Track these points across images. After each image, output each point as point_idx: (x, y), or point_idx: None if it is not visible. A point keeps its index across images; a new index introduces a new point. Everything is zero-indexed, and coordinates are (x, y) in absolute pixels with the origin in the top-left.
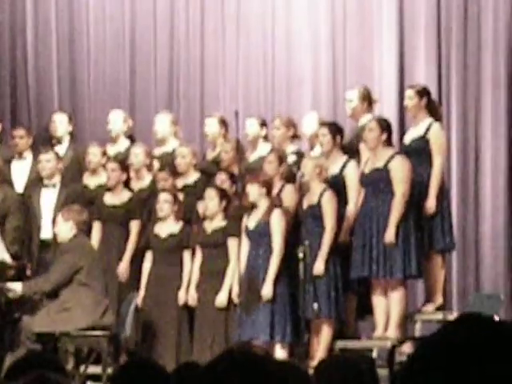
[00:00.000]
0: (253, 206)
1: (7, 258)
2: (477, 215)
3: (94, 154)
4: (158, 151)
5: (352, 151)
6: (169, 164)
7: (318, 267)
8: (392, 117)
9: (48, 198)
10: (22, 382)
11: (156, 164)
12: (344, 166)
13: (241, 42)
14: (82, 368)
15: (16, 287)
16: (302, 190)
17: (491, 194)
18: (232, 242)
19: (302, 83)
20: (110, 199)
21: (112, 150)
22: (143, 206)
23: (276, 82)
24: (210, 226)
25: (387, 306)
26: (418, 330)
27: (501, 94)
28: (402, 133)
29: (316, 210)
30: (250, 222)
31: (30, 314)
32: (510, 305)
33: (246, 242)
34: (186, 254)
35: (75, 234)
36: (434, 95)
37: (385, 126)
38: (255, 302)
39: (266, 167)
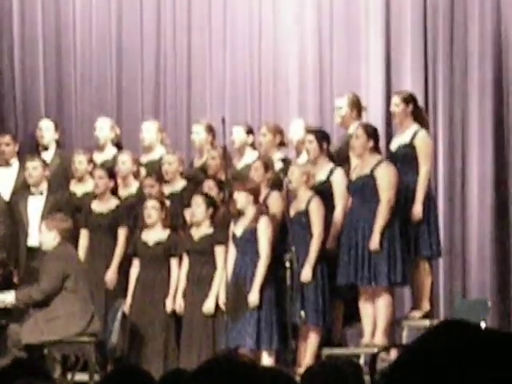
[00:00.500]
0: (240, 213)
1: None
2: (463, 222)
3: (79, 161)
4: (144, 158)
5: (341, 158)
6: (155, 171)
7: (306, 274)
8: (378, 124)
9: (35, 206)
10: None
11: (143, 171)
12: (331, 173)
13: (228, 49)
14: (69, 376)
15: (9, 298)
16: (289, 197)
17: (478, 201)
18: (219, 250)
19: (289, 90)
20: (97, 207)
21: (99, 157)
22: (130, 213)
23: (263, 89)
24: (196, 233)
25: (374, 312)
26: (405, 336)
27: (487, 101)
28: (389, 140)
29: (303, 217)
30: (237, 229)
31: (17, 322)
32: (497, 311)
33: (232, 249)
34: (174, 262)
35: (59, 242)
36: (421, 102)
37: (371, 132)
38: (242, 309)
39: (252, 174)
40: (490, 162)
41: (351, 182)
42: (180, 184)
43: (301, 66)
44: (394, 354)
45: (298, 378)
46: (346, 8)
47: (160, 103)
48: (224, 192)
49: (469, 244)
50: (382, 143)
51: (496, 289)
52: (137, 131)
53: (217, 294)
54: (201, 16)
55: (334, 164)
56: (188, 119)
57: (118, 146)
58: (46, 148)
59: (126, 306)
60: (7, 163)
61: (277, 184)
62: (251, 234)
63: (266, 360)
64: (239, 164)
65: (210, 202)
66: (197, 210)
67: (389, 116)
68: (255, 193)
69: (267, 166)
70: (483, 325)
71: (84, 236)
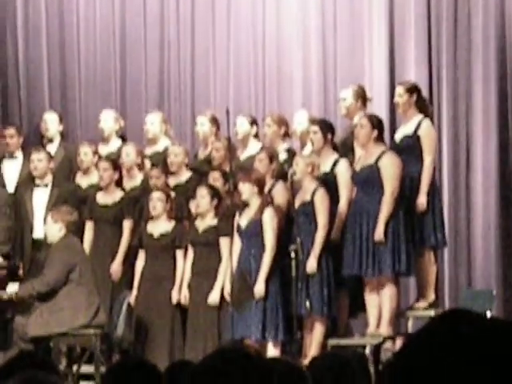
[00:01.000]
0: (244, 205)
1: None
2: (468, 211)
3: (85, 153)
4: (149, 150)
5: (346, 149)
6: (160, 163)
7: (311, 265)
8: (383, 115)
9: (40, 198)
10: (15, 382)
11: (147, 163)
12: (335, 164)
13: (231, 40)
14: (74, 367)
15: (13, 289)
16: (294, 188)
17: (482, 191)
18: (224, 241)
19: (293, 81)
20: (102, 199)
21: (104, 149)
22: (135, 204)
23: (267, 80)
24: (201, 225)
25: (379, 303)
26: (410, 326)
27: (491, 92)
28: (393, 131)
29: (308, 208)
30: (242, 220)
31: (22, 314)
32: (502, 300)
33: (237, 241)
34: (179, 253)
35: (65, 235)
36: (425, 93)
37: (376, 122)
38: (247, 300)
39: (257, 165)
40: (494, 153)
41: (355, 172)
42: (185, 175)
43: (305, 56)
44: (399, 344)
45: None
46: (349, 0)
47: (164, 95)
48: (228, 183)
49: (473, 234)
50: (386, 134)
51: (501, 278)
52: (141, 123)
53: (222, 285)
54: (205, 7)
55: (339, 155)
56: (192, 111)
57: (123, 138)
58: (50, 140)
59: (132, 297)
60: (12, 156)
61: (281, 175)
62: (256, 226)
63: (272, 351)
64: (243, 155)
65: (215, 193)
66: (201, 201)
67: (393, 107)
68: (260, 184)
69: (272, 157)
70: (489, 314)
71: (89, 228)
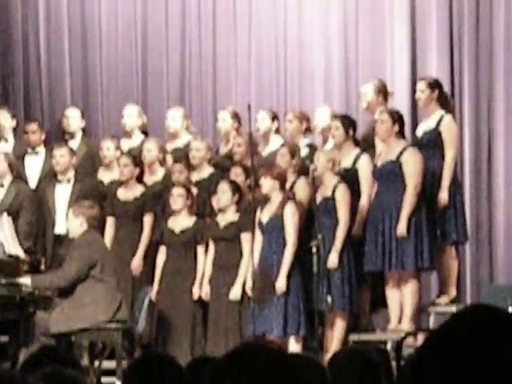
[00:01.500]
0: (266, 200)
1: (21, 253)
2: (490, 207)
3: (107, 148)
4: (170, 146)
5: (367, 144)
6: (182, 158)
7: (332, 260)
8: (404, 110)
9: (62, 193)
10: (38, 376)
11: (169, 158)
12: (356, 159)
13: (253, 35)
14: (96, 363)
15: (25, 281)
16: (315, 184)
17: (504, 186)
18: (245, 236)
19: (314, 76)
20: (123, 194)
21: (126, 143)
22: (156, 200)
23: (288, 76)
24: (222, 220)
25: (401, 298)
26: (431, 322)
27: None
28: (415, 126)
29: (329, 203)
30: (264, 215)
31: (44, 310)
32: None
33: (259, 236)
34: (200, 249)
35: (86, 230)
36: (446, 88)
37: (396, 117)
38: (269, 295)
39: (278, 161)
40: None
41: (377, 167)
42: (207, 171)
43: (326, 51)
44: (420, 339)
45: (325, 364)
46: None
47: (185, 90)
48: (250, 179)
49: (495, 229)
50: (407, 129)
51: None
52: (162, 118)
53: (243, 280)
54: (226, 2)
55: (360, 150)
56: (214, 106)
57: (145, 132)
58: (72, 136)
59: (153, 293)
60: (34, 151)
61: (303, 170)
62: (277, 221)
63: (293, 346)
64: (264, 151)
65: (236, 188)
66: (222, 196)
67: (414, 102)
68: (281, 179)
69: (293, 152)
70: (510, 310)
71: (110, 223)
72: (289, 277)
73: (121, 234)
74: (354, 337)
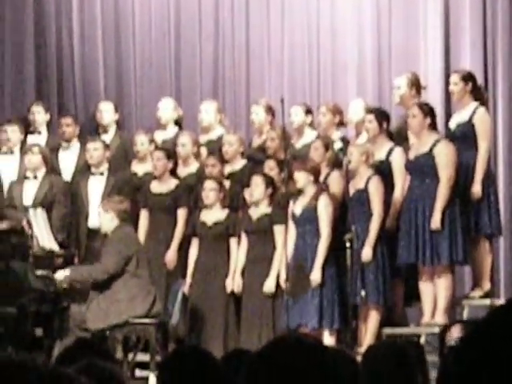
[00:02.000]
0: (299, 193)
1: (55, 247)
2: None
3: (141, 142)
4: (203, 139)
5: (401, 138)
6: (215, 151)
7: (366, 253)
8: (438, 103)
9: (96, 187)
10: (74, 369)
11: (203, 151)
12: (390, 152)
13: (286, 28)
14: (130, 356)
15: (64, 273)
16: (349, 177)
17: None
18: (278, 229)
19: (348, 70)
20: (156, 187)
21: (160, 136)
22: (190, 193)
23: (321, 69)
24: (255, 213)
25: (434, 291)
26: (465, 315)
27: None
28: (448, 118)
29: (363, 196)
30: (297, 208)
31: (78, 303)
32: None
33: (292, 228)
34: (233, 242)
35: (118, 225)
36: (480, 80)
37: (427, 110)
38: (303, 288)
39: (312, 154)
40: None
41: (410, 160)
42: (240, 164)
43: (359, 44)
44: (455, 332)
45: (358, 358)
46: None
47: (219, 84)
48: (284, 172)
49: None
50: (441, 122)
51: None
52: (196, 112)
53: (277, 273)
54: None
55: (394, 143)
56: (247, 99)
57: (179, 125)
58: (105, 129)
59: (186, 286)
60: (68, 144)
61: (336, 163)
62: (311, 213)
63: (328, 339)
64: (298, 144)
65: (269, 181)
66: (256, 189)
67: (448, 94)
68: (315, 172)
69: (327, 145)
70: None
71: (144, 217)
72: (323, 270)
73: (154, 227)
74: (387, 330)
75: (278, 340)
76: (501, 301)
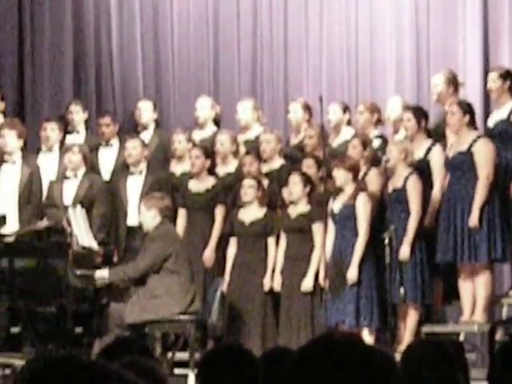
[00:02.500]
0: (338, 191)
1: (94, 245)
2: None
3: (179, 141)
4: (242, 137)
5: (438, 136)
6: (253, 150)
7: (404, 252)
8: (476, 100)
9: (134, 185)
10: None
11: (242, 149)
12: (429, 150)
13: (324, 26)
14: (169, 354)
15: (103, 274)
16: (387, 174)
17: None
18: (316, 227)
19: (386, 67)
20: (194, 186)
21: (198, 135)
22: (228, 191)
23: (360, 67)
24: (294, 212)
25: (474, 290)
26: (504, 314)
27: None
28: (487, 116)
29: (401, 194)
30: (336, 205)
31: (117, 301)
32: None
33: (331, 226)
34: (271, 240)
35: (160, 222)
36: None
37: (466, 108)
38: (341, 286)
39: (350, 152)
40: None
41: (448, 158)
42: (278, 162)
43: (398, 42)
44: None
45: (397, 356)
46: None
47: (257, 82)
48: (322, 170)
49: None
50: (480, 120)
51: None
52: (234, 110)
53: (315, 271)
54: None
55: (432, 141)
56: (285, 98)
57: (217, 123)
58: (145, 128)
59: (224, 285)
60: (108, 143)
61: (374, 161)
62: (349, 211)
63: (366, 338)
64: (335, 142)
65: (307, 180)
66: (294, 188)
67: (486, 92)
68: (354, 170)
69: (365, 143)
70: None
71: (182, 215)
72: (361, 268)
73: (192, 225)
74: (426, 328)
75: (319, 338)
76: None
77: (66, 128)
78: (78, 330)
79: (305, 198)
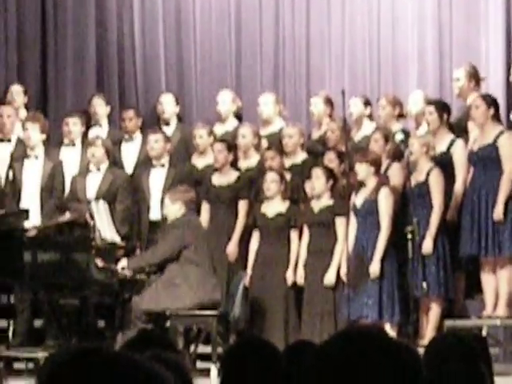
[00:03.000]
0: (360, 185)
1: (117, 239)
2: None
3: (200, 135)
4: (264, 131)
5: (460, 130)
6: (276, 143)
7: (427, 246)
8: (499, 94)
9: (157, 179)
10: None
11: (264, 143)
12: (451, 144)
13: (346, 20)
14: (191, 348)
15: (123, 264)
16: (409, 168)
17: None
18: (339, 221)
19: (408, 61)
20: (217, 180)
21: (220, 129)
22: (251, 185)
23: (382, 61)
24: (317, 205)
25: (496, 284)
26: None
27: None
28: (509, 110)
29: (423, 188)
30: (358, 199)
31: (140, 295)
32: None
33: (353, 220)
34: (293, 234)
35: (184, 213)
36: None
37: (490, 101)
38: (364, 280)
39: (372, 146)
40: None
41: (473, 152)
42: (300, 156)
43: (420, 36)
44: None
45: (420, 350)
46: None
47: (279, 76)
48: (344, 164)
49: None
50: (503, 113)
51: None
52: (256, 104)
53: (338, 265)
54: None
55: (455, 135)
56: (307, 91)
57: (239, 117)
58: (167, 122)
59: (247, 278)
60: (130, 137)
61: (396, 155)
62: (372, 205)
63: (389, 332)
64: (357, 136)
65: (330, 174)
66: (317, 182)
67: (509, 86)
68: (376, 164)
69: (387, 137)
70: None
71: (205, 209)
72: (383, 262)
73: (216, 219)
74: (448, 323)
75: (343, 331)
76: None
77: (89, 122)
78: (101, 323)
79: (327, 191)
